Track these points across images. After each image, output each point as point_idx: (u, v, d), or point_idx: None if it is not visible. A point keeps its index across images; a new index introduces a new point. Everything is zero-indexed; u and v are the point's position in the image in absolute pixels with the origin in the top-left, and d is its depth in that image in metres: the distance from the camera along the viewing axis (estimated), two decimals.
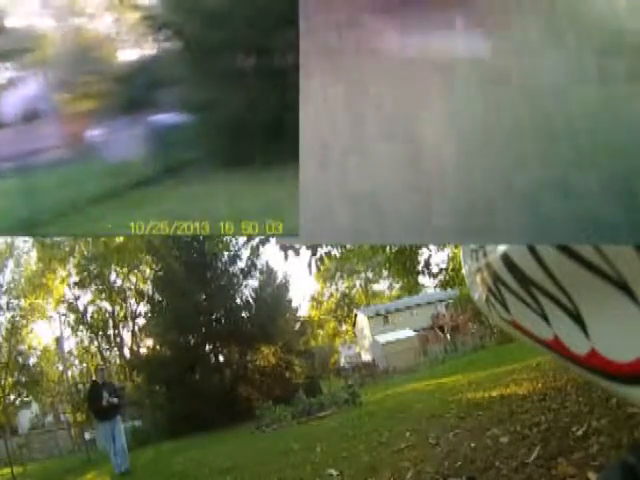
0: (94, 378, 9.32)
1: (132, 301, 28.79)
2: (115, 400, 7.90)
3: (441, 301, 29.54)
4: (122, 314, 29.69)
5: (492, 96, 1.63)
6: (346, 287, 44.32)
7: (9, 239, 25.60)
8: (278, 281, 17.41)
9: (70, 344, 29.50)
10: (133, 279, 29.30)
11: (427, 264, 10.98)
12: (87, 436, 16.40)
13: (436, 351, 24.50)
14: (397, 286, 39.38)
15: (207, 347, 16.54)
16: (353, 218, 1.64)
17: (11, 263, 28.56)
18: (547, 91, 1.83)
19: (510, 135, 1.96)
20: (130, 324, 29.41)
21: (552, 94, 1.77)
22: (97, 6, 1.63)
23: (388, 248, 10.78)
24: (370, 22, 1.74)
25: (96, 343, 30.38)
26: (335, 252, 7.63)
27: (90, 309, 29.78)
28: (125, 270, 28.58)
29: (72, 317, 29.20)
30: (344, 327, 42.72)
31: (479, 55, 1.61)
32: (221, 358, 16.55)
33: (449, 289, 14.46)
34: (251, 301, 16.75)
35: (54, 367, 30.95)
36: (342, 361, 34.45)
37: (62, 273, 29.23)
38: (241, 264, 16.96)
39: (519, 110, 1.90)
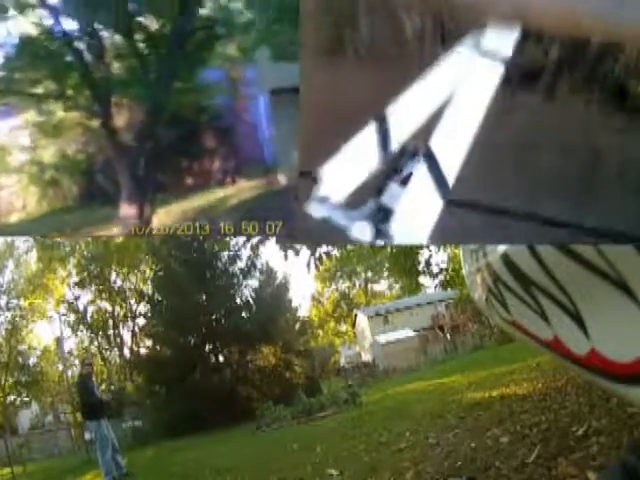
0: (81, 372, 8.80)
1: (132, 301, 28.78)
2: (107, 396, 7.58)
3: (441, 301, 29.51)
4: (122, 314, 29.66)
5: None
6: (346, 287, 44.30)
7: (9, 239, 25.59)
8: (278, 281, 17.41)
9: (70, 344, 29.51)
10: (133, 279, 29.28)
11: (427, 264, 10.99)
12: (87, 436, 16.38)
13: (436, 351, 24.48)
14: (397, 286, 39.36)
15: (207, 347, 16.54)
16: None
17: (11, 263, 28.55)
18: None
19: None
20: (130, 324, 29.41)
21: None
22: None
23: (388, 248, 10.79)
24: None
25: (96, 343, 30.38)
26: (335, 252, 7.64)
27: (90, 309, 29.79)
28: (125, 270, 28.55)
29: (72, 317, 29.20)
30: (344, 327, 42.68)
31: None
32: (221, 358, 16.54)
33: (449, 289, 14.47)
34: (251, 301, 16.75)
35: (54, 367, 30.94)
36: (342, 361, 34.42)
37: (62, 273, 29.20)
38: (241, 264, 16.99)
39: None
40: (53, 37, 3.49)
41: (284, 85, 4.02)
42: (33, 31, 3.47)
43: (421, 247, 10.14)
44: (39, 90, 3.70)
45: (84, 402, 7.60)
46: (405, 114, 1.89)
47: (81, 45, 3.54)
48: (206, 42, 3.61)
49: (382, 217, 1.61)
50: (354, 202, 1.70)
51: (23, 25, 3.47)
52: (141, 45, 3.58)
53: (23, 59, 3.55)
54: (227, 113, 4.21)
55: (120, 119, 3.80)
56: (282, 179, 4.11)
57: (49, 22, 3.53)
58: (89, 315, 29.75)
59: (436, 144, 1.79)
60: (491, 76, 1.92)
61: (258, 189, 4.13)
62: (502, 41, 1.93)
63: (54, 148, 4.11)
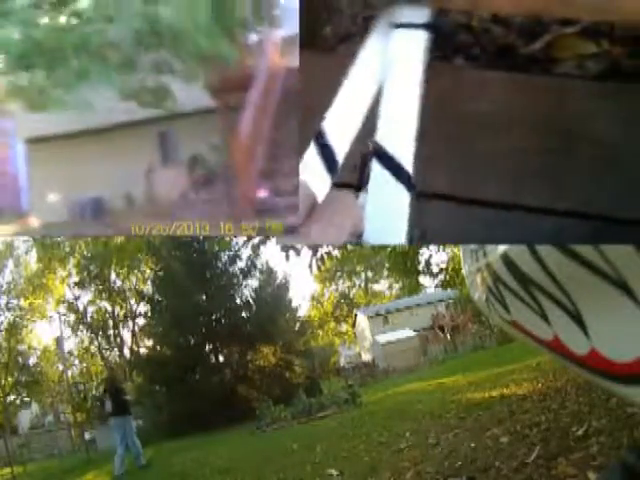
0: (105, 376, 9.89)
1: (132, 301, 28.77)
2: (129, 397, 8.37)
3: (441, 301, 29.52)
4: (122, 314, 29.65)
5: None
6: (346, 287, 44.27)
7: (9, 239, 25.58)
8: (278, 281, 17.41)
9: (70, 344, 29.49)
10: (133, 279, 29.26)
11: (427, 264, 10.99)
12: (87, 436, 16.39)
13: (436, 351, 24.48)
14: (397, 286, 39.34)
15: (207, 347, 16.52)
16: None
17: (11, 263, 28.54)
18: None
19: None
20: (130, 324, 29.40)
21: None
22: None
23: (388, 248, 10.78)
24: None
25: (96, 343, 30.36)
26: (336, 252, 7.65)
27: (90, 309, 29.77)
28: (125, 270, 28.53)
29: (72, 317, 29.18)
30: (344, 327, 42.67)
31: None
32: (221, 358, 16.53)
33: (449, 289, 14.47)
34: (251, 301, 16.73)
35: (54, 367, 30.92)
36: (342, 361, 34.41)
37: (62, 273, 29.18)
38: (241, 264, 16.98)
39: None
40: None
41: (39, 134, 4.25)
42: None
43: (421, 247, 10.14)
44: None
45: (114, 400, 8.21)
46: (344, 112, 1.75)
47: None
48: None
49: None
50: None
51: None
52: None
53: None
54: None
55: None
56: (35, 222, 4.42)
57: None
58: (89, 315, 29.75)
59: (385, 136, 1.67)
60: (417, 48, 1.79)
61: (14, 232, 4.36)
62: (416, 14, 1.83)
63: None
